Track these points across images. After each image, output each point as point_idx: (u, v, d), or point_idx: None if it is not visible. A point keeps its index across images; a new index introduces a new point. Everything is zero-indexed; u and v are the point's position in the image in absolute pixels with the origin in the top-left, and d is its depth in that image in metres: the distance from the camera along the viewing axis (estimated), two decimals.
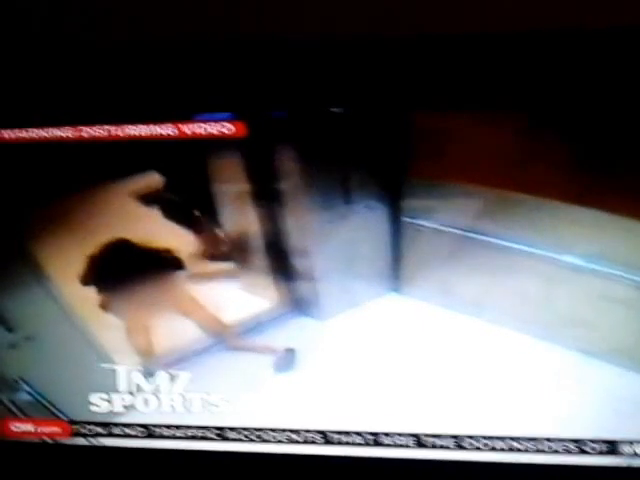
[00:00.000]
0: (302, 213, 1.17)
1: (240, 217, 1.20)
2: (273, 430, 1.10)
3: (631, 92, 0.97)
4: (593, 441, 1.03)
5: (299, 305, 1.21)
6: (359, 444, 1.08)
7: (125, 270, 1.16)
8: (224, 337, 1.18)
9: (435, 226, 1.18)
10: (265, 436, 1.10)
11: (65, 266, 1.15)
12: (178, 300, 1.17)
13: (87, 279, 1.15)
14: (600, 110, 1.00)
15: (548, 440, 1.04)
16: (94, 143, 1.09)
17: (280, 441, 1.10)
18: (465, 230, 1.16)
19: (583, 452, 1.03)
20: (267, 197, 1.16)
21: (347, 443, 1.08)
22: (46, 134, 1.09)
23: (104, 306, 1.17)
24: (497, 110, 1.04)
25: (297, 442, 1.10)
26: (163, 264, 1.16)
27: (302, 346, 1.17)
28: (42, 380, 1.16)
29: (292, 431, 1.10)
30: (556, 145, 1.05)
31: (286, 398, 1.14)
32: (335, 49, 1.01)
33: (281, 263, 1.19)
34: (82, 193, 1.15)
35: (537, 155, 1.07)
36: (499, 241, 1.15)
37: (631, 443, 1.02)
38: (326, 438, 1.09)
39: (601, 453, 1.03)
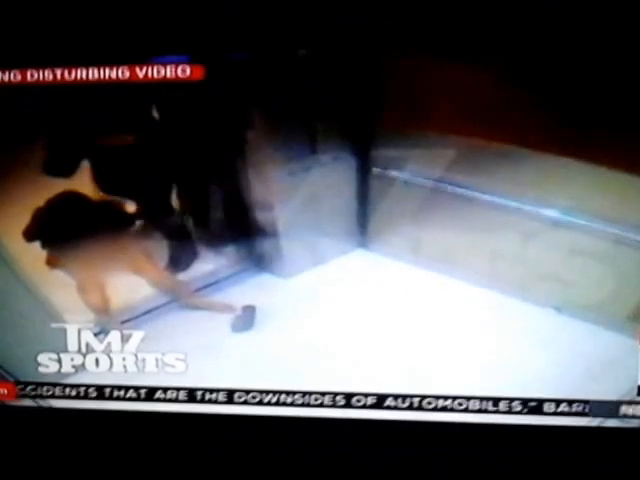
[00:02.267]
0: (263, 164, 1.15)
1: (196, 168, 1.18)
2: (230, 391, 1.09)
3: (612, 43, 0.95)
4: (564, 401, 1.02)
5: (260, 262, 1.20)
6: (322, 405, 1.07)
7: (74, 224, 1.14)
8: (178, 294, 1.17)
9: (406, 177, 1.17)
10: (221, 398, 1.10)
11: (9, 221, 1.13)
12: (129, 256, 1.15)
13: (32, 234, 1.13)
14: (581, 58, 0.97)
15: (515, 400, 1.04)
16: (40, 87, 1.06)
17: (237, 402, 1.10)
18: (437, 182, 1.15)
19: (554, 413, 1.03)
20: (225, 146, 1.14)
21: (308, 404, 1.08)
22: None
23: (52, 263, 1.15)
24: (474, 56, 1.02)
25: (256, 403, 1.09)
26: (114, 218, 1.14)
27: (263, 305, 1.15)
28: None
29: (251, 392, 1.09)
30: (533, 94, 1.03)
31: (245, 358, 1.13)
32: None
33: (241, 217, 1.17)
34: (27, 143, 1.13)
35: (514, 104, 1.05)
36: (473, 193, 1.14)
37: (602, 402, 1.02)
38: (285, 398, 1.08)
39: (571, 414, 1.03)
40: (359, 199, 1.19)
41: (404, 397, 1.05)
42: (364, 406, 1.06)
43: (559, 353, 1.06)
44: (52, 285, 1.16)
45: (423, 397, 1.05)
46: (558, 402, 1.02)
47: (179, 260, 1.16)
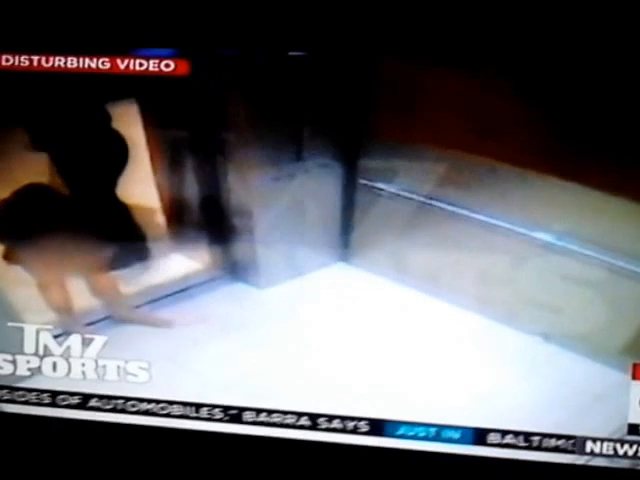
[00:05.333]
0: (245, 167, 1.15)
1: (174, 167, 1.18)
2: (195, 405, 1.08)
3: (615, 64, 0.96)
4: (547, 435, 1.02)
5: (235, 270, 1.19)
6: (292, 425, 1.06)
7: (36, 218, 1.13)
8: (116, 306, 1.16)
9: (393, 190, 1.17)
10: (186, 411, 1.09)
11: None
12: (82, 255, 1.14)
13: None
14: (582, 80, 0.98)
15: (498, 432, 1.03)
16: (14, 73, 1.06)
17: (202, 418, 1.08)
18: (426, 197, 1.15)
19: (536, 448, 1.03)
20: (207, 146, 1.15)
21: (277, 425, 1.07)
22: None
23: (10, 257, 1.13)
24: (471, 67, 1.02)
25: (222, 420, 1.08)
26: (76, 213, 1.14)
27: (235, 315, 1.15)
28: None
29: (217, 407, 1.08)
30: (531, 111, 1.04)
31: (212, 371, 1.13)
32: None
33: (218, 222, 1.17)
34: None
35: (512, 120, 1.06)
36: (462, 211, 1.14)
37: (589, 440, 1.01)
38: (250, 416, 1.07)
39: (556, 450, 1.02)
40: (343, 210, 1.19)
41: (375, 422, 1.04)
42: (329, 429, 1.05)
43: (545, 384, 1.05)
44: (9, 281, 1.14)
45: (396, 423, 1.04)
46: (542, 436, 1.02)
47: (122, 258, 1.15)
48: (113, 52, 1.04)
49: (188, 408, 1.07)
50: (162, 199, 1.17)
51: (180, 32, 1.02)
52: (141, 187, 1.17)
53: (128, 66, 1.03)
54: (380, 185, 1.17)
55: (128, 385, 1.08)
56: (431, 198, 1.14)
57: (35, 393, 1.09)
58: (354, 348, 1.11)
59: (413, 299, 1.13)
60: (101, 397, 1.09)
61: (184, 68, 1.02)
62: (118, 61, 1.03)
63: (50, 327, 1.10)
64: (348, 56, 1.03)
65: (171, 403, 1.08)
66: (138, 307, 1.16)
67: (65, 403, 1.09)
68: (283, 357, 1.12)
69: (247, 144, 1.12)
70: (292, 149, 1.14)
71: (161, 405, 1.08)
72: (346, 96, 1.10)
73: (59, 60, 1.05)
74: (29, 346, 1.10)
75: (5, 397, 1.10)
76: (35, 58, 1.05)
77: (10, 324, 1.10)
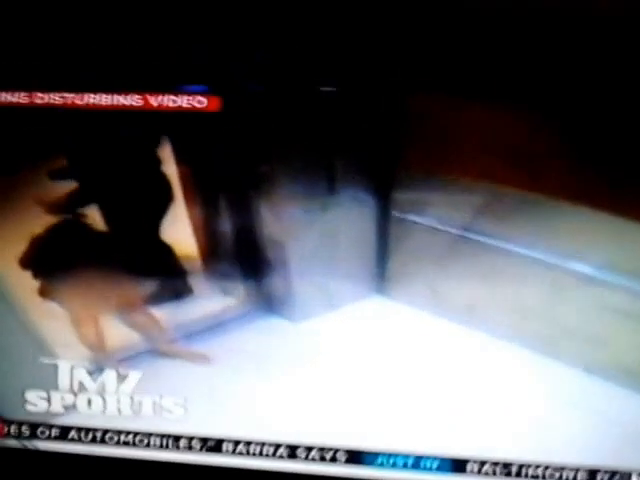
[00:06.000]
0: (278, 201, 1.15)
1: (208, 202, 1.19)
2: (232, 441, 1.08)
3: None
4: (590, 470, 1.00)
5: (270, 305, 1.19)
6: (331, 460, 1.05)
7: (72, 254, 1.14)
8: (156, 340, 1.16)
9: (428, 223, 1.17)
10: (223, 447, 1.08)
11: (3, 246, 1.14)
12: (120, 291, 1.15)
13: (28, 262, 1.13)
14: (619, 111, 0.98)
15: (539, 466, 1.02)
16: (48, 111, 1.08)
17: (240, 453, 1.08)
18: (462, 229, 1.16)
19: None
20: (239, 181, 1.16)
21: (313, 459, 1.06)
22: None
23: (45, 293, 1.14)
24: (503, 99, 1.03)
25: (260, 455, 1.07)
26: (112, 250, 1.15)
27: (270, 350, 1.15)
28: None
29: (254, 443, 1.08)
30: (569, 142, 1.04)
31: (248, 406, 1.13)
32: (324, 18, 1.00)
33: (251, 256, 1.18)
34: (33, 165, 1.15)
35: (548, 150, 1.06)
36: (498, 243, 1.14)
37: (635, 474, 1.00)
38: (291, 452, 1.07)
39: None
40: (378, 242, 1.19)
41: (417, 457, 1.03)
42: (372, 463, 1.05)
43: (586, 416, 1.04)
44: (44, 317, 1.15)
45: (434, 458, 1.03)
46: (583, 470, 1.00)
47: (160, 293, 1.16)
48: (146, 89, 1.05)
49: (223, 444, 1.07)
50: (196, 234, 1.18)
51: (212, 69, 1.03)
52: (175, 223, 1.18)
53: (161, 103, 1.04)
54: (413, 217, 1.17)
55: (163, 421, 1.08)
56: (466, 230, 1.14)
57: (71, 430, 1.09)
58: (392, 381, 1.11)
59: (450, 330, 1.12)
60: (136, 433, 1.09)
61: (216, 104, 1.03)
62: (151, 98, 1.04)
63: (85, 363, 1.10)
64: (379, 90, 1.03)
65: (208, 439, 1.07)
66: (175, 342, 1.16)
67: (99, 439, 1.09)
68: (318, 391, 1.12)
69: (279, 178, 1.12)
70: (324, 182, 1.15)
71: (196, 442, 1.07)
72: (377, 129, 1.10)
73: (93, 98, 1.06)
74: (64, 382, 1.10)
75: (40, 434, 1.10)
76: (69, 96, 1.06)
77: (45, 360, 1.10)
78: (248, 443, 1.06)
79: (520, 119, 1.04)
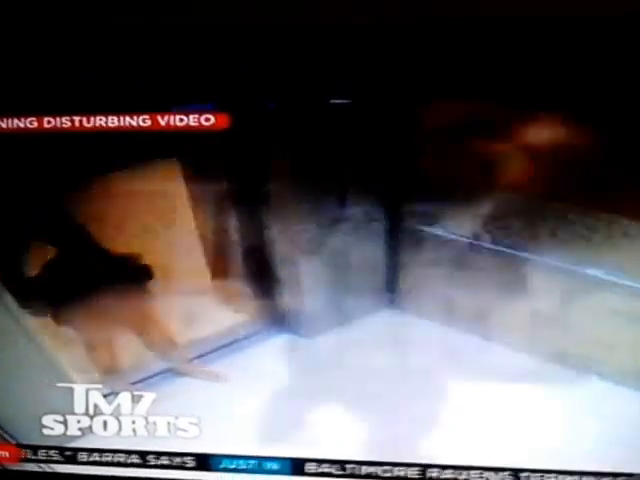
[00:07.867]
0: (289, 216, 1.16)
1: (218, 220, 1.21)
2: (247, 457, 1.10)
3: None
4: (604, 474, 1.01)
5: (282, 321, 1.21)
6: (344, 475, 1.07)
7: (83, 278, 1.17)
8: (174, 360, 1.18)
9: (440, 233, 1.19)
10: (239, 465, 1.10)
11: None
12: (135, 314, 1.17)
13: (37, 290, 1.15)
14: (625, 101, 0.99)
15: (552, 472, 1.03)
16: (57, 135, 1.10)
17: (253, 471, 1.10)
18: (472, 239, 1.17)
19: None
20: (249, 197, 1.17)
21: (329, 475, 1.07)
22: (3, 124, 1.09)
23: (58, 319, 1.16)
24: (513, 108, 1.04)
25: (274, 472, 1.09)
26: (126, 274, 1.17)
27: (284, 366, 1.17)
28: None
29: (270, 459, 1.09)
30: (581, 146, 1.05)
31: (263, 423, 1.14)
32: (333, 32, 1.01)
33: (262, 272, 1.19)
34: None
35: (558, 156, 1.07)
36: (511, 251, 1.16)
37: None
38: (300, 467, 1.08)
39: None
40: (389, 254, 1.20)
41: (442, 467, 1.05)
42: (397, 477, 1.06)
43: (600, 422, 1.05)
44: (59, 342, 1.17)
45: (456, 468, 1.04)
46: (598, 475, 1.01)
47: (196, 318, 1.18)
48: (153, 109, 1.06)
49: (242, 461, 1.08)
50: (207, 253, 1.20)
51: (219, 86, 1.04)
52: (185, 242, 1.20)
53: (169, 122, 1.06)
54: (425, 228, 1.18)
55: (179, 440, 1.10)
56: (477, 239, 1.15)
57: (88, 452, 1.11)
58: (406, 394, 1.12)
59: (464, 341, 1.13)
60: (152, 453, 1.10)
61: (224, 122, 1.04)
62: (159, 118, 1.06)
63: (100, 386, 1.12)
64: (388, 102, 1.04)
65: (223, 457, 1.09)
66: (189, 360, 1.18)
67: (117, 461, 1.11)
68: (334, 406, 1.13)
69: (290, 193, 1.14)
70: (335, 196, 1.15)
71: (213, 460, 1.09)
72: (388, 142, 1.11)
73: (100, 120, 1.08)
74: (79, 406, 1.12)
75: (57, 457, 1.12)
76: (77, 119, 1.08)
77: (60, 384, 1.12)
78: (266, 459, 1.07)
79: (533, 126, 1.04)
